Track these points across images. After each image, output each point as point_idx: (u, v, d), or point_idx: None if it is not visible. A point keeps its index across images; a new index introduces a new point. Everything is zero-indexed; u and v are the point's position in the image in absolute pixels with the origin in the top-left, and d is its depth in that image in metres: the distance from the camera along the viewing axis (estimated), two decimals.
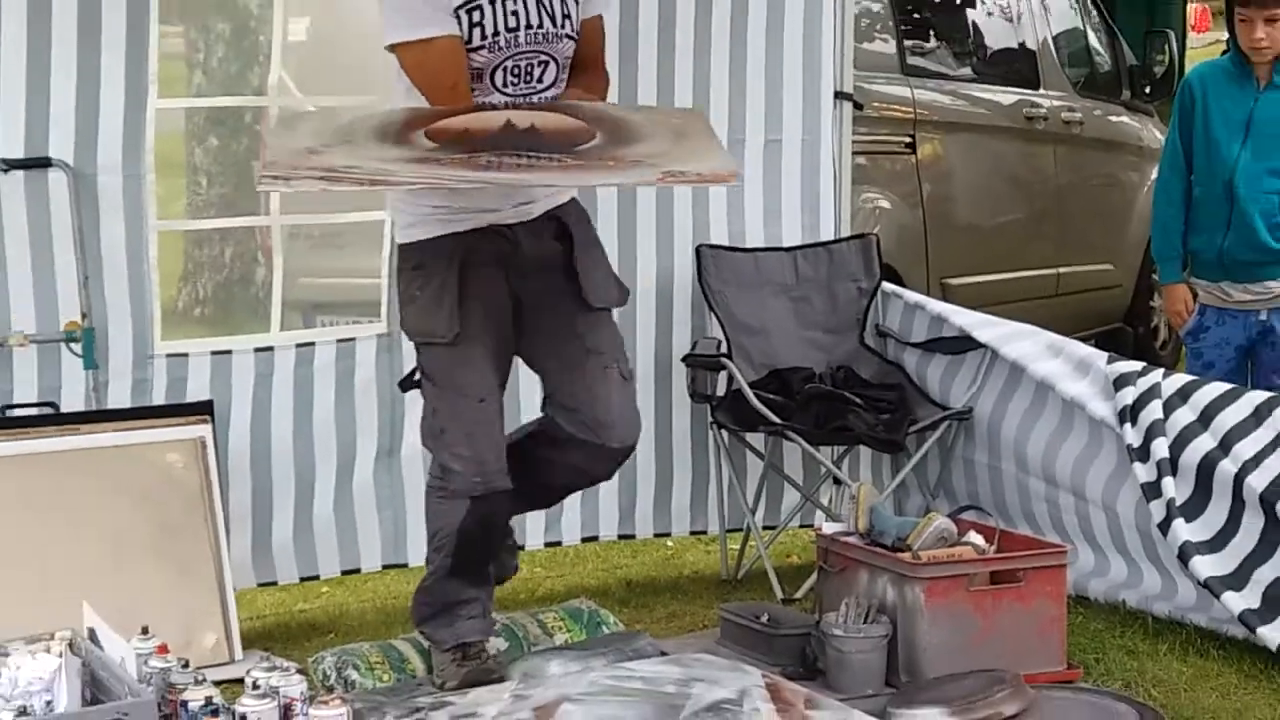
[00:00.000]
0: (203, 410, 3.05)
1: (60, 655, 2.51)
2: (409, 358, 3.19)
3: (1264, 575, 2.86)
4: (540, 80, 2.68)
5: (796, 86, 3.66)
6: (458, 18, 2.56)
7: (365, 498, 3.40)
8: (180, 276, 4.14)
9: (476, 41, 2.58)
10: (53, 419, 3.00)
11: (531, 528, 3.49)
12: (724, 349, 3.43)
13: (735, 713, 2.56)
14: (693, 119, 2.86)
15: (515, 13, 2.57)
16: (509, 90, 2.65)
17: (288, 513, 3.32)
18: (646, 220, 3.57)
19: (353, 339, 3.31)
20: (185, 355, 3.16)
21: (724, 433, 3.41)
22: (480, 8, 2.56)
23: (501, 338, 2.68)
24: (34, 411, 3.01)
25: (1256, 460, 2.86)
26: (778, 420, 3.23)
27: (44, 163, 2.89)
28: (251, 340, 3.29)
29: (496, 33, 2.58)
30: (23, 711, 2.27)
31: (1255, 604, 2.82)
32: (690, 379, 3.46)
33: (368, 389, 3.37)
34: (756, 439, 3.43)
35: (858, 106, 3.79)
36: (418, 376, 2.81)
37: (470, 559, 2.80)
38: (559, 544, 3.56)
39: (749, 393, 3.25)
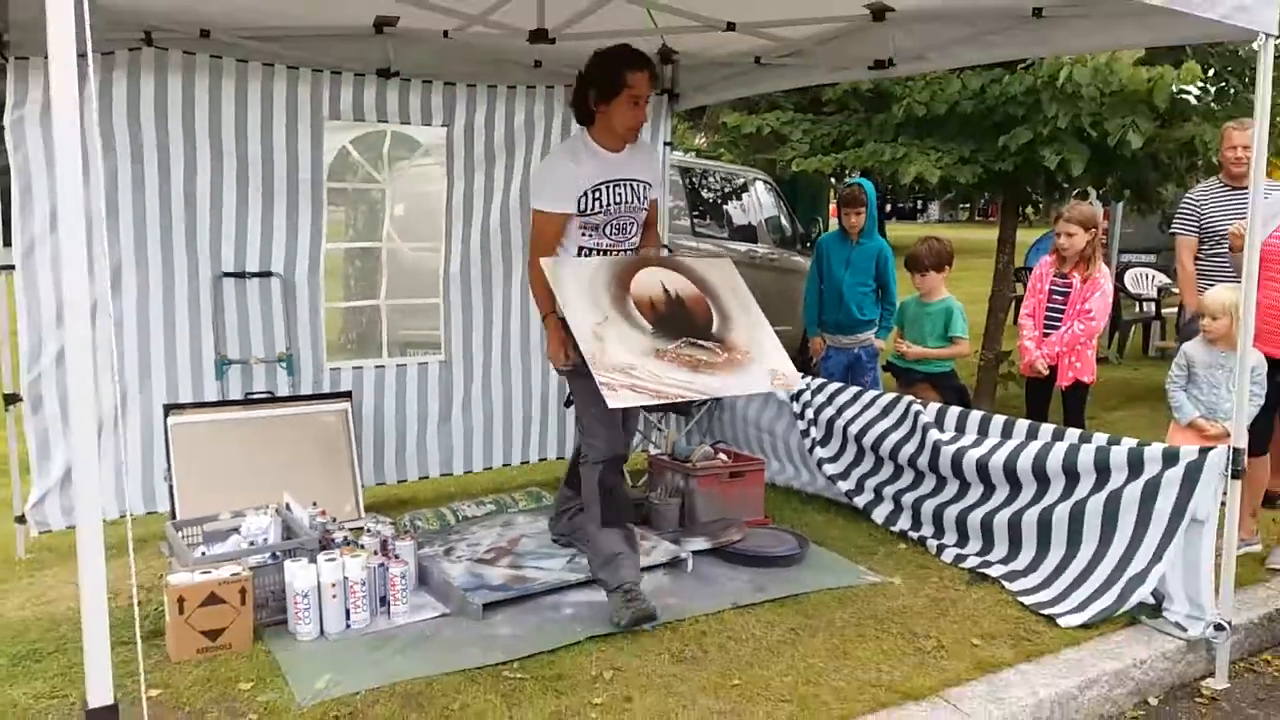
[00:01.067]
0: (345, 396, 4.93)
1: (271, 516, 3.95)
2: (459, 375, 5.32)
3: (859, 472, 5.19)
4: (628, 231, 3.91)
5: None
6: (586, 195, 3.73)
7: (430, 443, 5.34)
8: (340, 330, 6.12)
9: (597, 209, 3.77)
10: (271, 399, 4.80)
11: (501, 452, 5.61)
12: None
13: None
14: (728, 269, 4.05)
15: (620, 195, 3.80)
16: (613, 236, 3.84)
17: (390, 450, 5.24)
18: None
19: (426, 362, 5.33)
20: (339, 369, 5.08)
21: None
22: (601, 191, 3.76)
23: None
24: (262, 395, 4.83)
25: (853, 419, 5.22)
26: None
27: (268, 274, 4.84)
28: (373, 361, 5.25)
29: (608, 205, 3.79)
30: (253, 543, 3.85)
31: (853, 486, 5.15)
32: None
33: (435, 388, 5.33)
34: None
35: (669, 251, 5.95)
36: (569, 395, 3.97)
37: (611, 509, 3.80)
38: (527, 462, 5.70)
39: None
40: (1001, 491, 4.49)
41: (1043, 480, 4.31)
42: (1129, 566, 3.92)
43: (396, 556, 3.79)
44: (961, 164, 6.94)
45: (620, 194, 3.79)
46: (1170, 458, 3.86)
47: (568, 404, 4.11)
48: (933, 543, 4.61)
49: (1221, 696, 3.71)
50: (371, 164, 5.66)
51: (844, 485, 5.18)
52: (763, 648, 3.58)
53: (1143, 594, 3.84)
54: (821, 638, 3.70)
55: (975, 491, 4.62)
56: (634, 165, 3.84)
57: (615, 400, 3.31)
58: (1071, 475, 4.19)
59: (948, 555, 4.50)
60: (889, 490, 4.98)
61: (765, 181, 9.68)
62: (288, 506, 4.03)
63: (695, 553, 4.40)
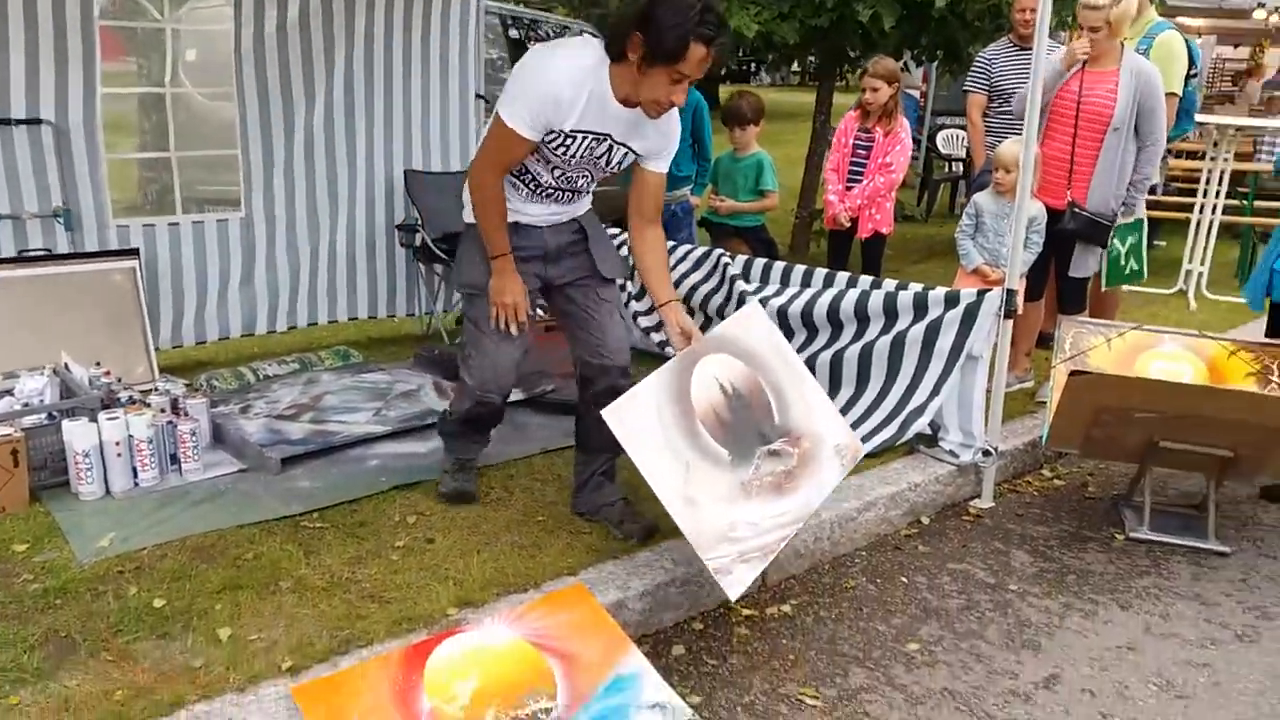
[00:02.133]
0: (132, 254, 4.56)
1: (48, 377, 3.75)
2: (260, 233, 5.05)
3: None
4: (576, 185, 3.24)
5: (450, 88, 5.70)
6: (562, 134, 3.00)
7: (231, 303, 5.08)
8: (137, 186, 5.39)
9: (560, 154, 3.08)
10: (49, 257, 4.40)
11: (307, 311, 5.38)
12: (419, 221, 5.46)
13: (416, 394, 4.49)
14: (759, 321, 3.34)
15: (592, 150, 3.09)
16: (556, 179, 3.17)
17: (189, 311, 4.97)
18: (376, 153, 5.46)
19: (226, 219, 5.03)
20: (128, 226, 4.71)
21: (420, 264, 5.57)
22: (577, 139, 3.04)
23: (524, 305, 3.23)
24: (38, 253, 4.42)
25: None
26: (445, 258, 5.26)
27: (36, 121, 4.35)
28: (166, 219, 4.88)
29: (574, 155, 3.09)
30: (27, 404, 3.61)
31: (666, 338, 5.25)
32: (402, 235, 5.52)
33: (236, 247, 5.06)
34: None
35: (487, 102, 5.81)
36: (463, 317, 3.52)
37: (471, 431, 3.55)
38: (336, 322, 5.50)
39: (431, 244, 5.33)
40: (800, 336, 4.68)
41: (836, 325, 4.50)
42: (910, 401, 4.19)
43: (186, 414, 3.66)
44: (780, 20, 6.95)
45: (593, 149, 3.11)
46: (951, 300, 4.10)
47: (459, 322, 3.78)
48: None
49: (986, 514, 4.06)
50: (153, 2, 5.20)
51: (657, 337, 5.28)
52: (568, 486, 3.68)
53: (921, 425, 4.12)
54: (625, 474, 3.83)
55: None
56: (636, 131, 3.10)
57: (737, 588, 2.80)
58: (862, 319, 4.40)
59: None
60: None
61: (593, 34, 9.38)
62: (66, 366, 3.83)
63: (510, 403, 4.42)
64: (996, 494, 4.21)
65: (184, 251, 4.90)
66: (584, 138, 3.03)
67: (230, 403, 4.25)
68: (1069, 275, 4.91)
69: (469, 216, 3.23)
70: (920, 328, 4.16)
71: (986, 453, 4.06)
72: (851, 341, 4.43)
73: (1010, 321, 3.99)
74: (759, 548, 2.89)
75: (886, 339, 4.28)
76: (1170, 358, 4.04)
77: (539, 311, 4.94)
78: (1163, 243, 9.08)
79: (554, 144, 3.03)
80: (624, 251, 4.40)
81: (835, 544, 3.61)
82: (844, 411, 4.35)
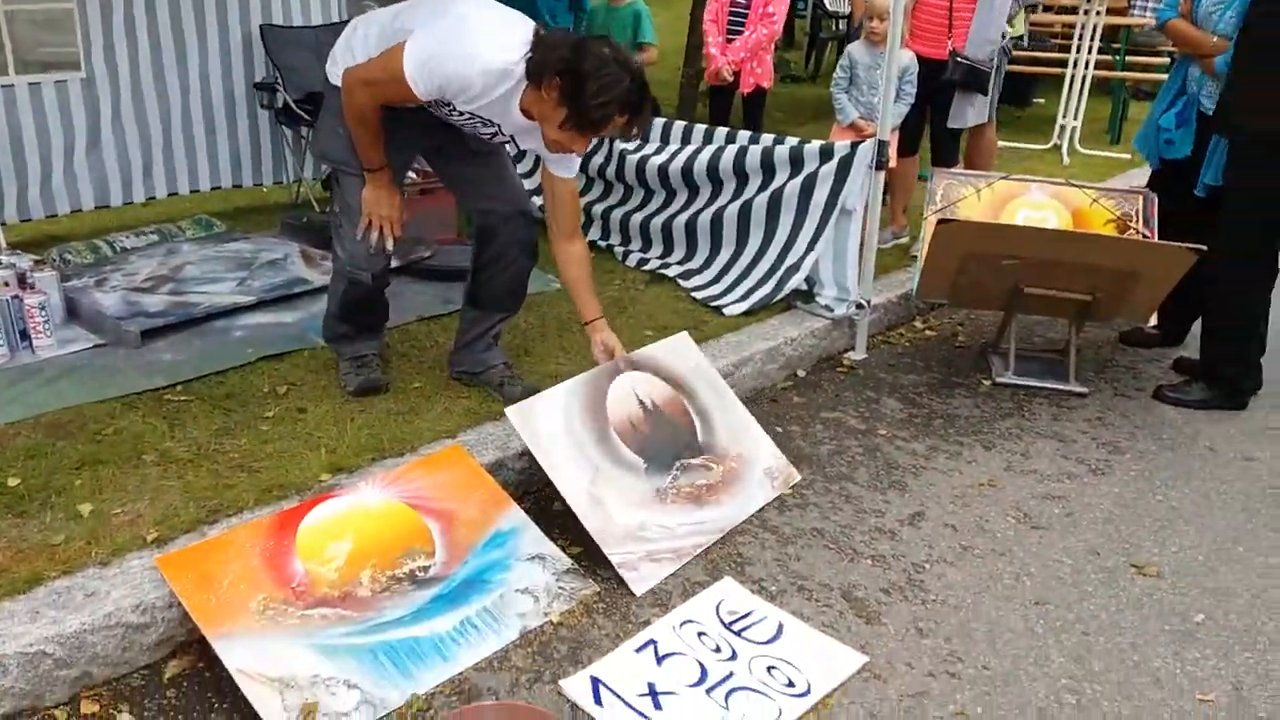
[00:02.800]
0: None
1: None
2: (105, 95, 4.70)
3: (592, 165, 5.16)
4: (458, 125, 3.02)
5: None
6: (448, 103, 2.87)
7: (80, 173, 4.77)
8: None
9: (443, 111, 2.94)
10: None
11: (165, 180, 5.09)
12: (278, 80, 5.16)
13: (282, 263, 4.31)
14: (685, 346, 3.36)
15: (477, 126, 2.97)
16: (435, 113, 2.96)
17: (33, 182, 4.63)
18: (230, 6, 5.11)
19: (65, 80, 4.65)
20: None
21: (284, 127, 5.28)
22: (463, 115, 2.91)
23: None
24: None
25: None
26: (308, 119, 4.94)
27: None
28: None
29: (455, 118, 2.95)
30: None
31: None
32: (262, 96, 5.21)
33: (79, 111, 4.72)
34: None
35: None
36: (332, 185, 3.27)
37: (354, 316, 3.32)
38: (198, 191, 5.23)
39: (294, 105, 5.04)
40: (681, 196, 4.65)
41: (716, 182, 4.48)
42: (787, 257, 4.22)
43: (33, 288, 3.45)
44: None
45: (478, 127, 2.99)
46: (826, 153, 4.09)
47: (325, 185, 3.54)
48: (619, 249, 4.75)
49: (859, 365, 4.17)
50: None
51: (538, 200, 5.16)
52: (445, 352, 3.63)
53: (797, 281, 4.16)
54: (525, 330, 3.80)
55: (658, 198, 4.76)
56: (530, 136, 2.95)
57: (642, 584, 2.71)
58: (741, 176, 4.38)
59: (632, 260, 4.66)
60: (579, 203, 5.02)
61: None
62: None
63: None
64: (870, 346, 4.32)
65: (21, 118, 4.53)
66: (473, 117, 2.91)
67: (85, 276, 4.02)
68: (946, 126, 4.95)
69: (335, 78, 3.01)
70: (796, 183, 4.16)
71: (859, 306, 4.14)
72: (731, 200, 4.41)
73: (882, 174, 4.02)
74: (672, 550, 2.87)
75: (764, 195, 4.27)
76: (1036, 206, 4.14)
77: (412, 175, 4.79)
78: (1041, 100, 9.24)
79: (442, 105, 2.90)
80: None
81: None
82: (724, 271, 4.37)
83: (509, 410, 2.96)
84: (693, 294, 4.29)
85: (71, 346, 3.49)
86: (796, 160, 4.18)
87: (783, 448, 3.44)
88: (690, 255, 4.55)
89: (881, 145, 3.91)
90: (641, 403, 3.17)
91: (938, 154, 5.03)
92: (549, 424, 2.96)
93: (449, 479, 2.85)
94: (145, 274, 4.04)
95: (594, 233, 4.93)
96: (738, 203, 4.36)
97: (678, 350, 3.41)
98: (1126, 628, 2.64)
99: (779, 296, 4.18)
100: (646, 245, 4.73)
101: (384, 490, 2.76)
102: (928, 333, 4.57)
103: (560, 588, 2.67)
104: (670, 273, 4.47)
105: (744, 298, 4.19)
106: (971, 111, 4.93)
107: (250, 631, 2.30)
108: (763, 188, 4.31)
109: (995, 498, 3.23)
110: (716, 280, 4.35)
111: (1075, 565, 2.89)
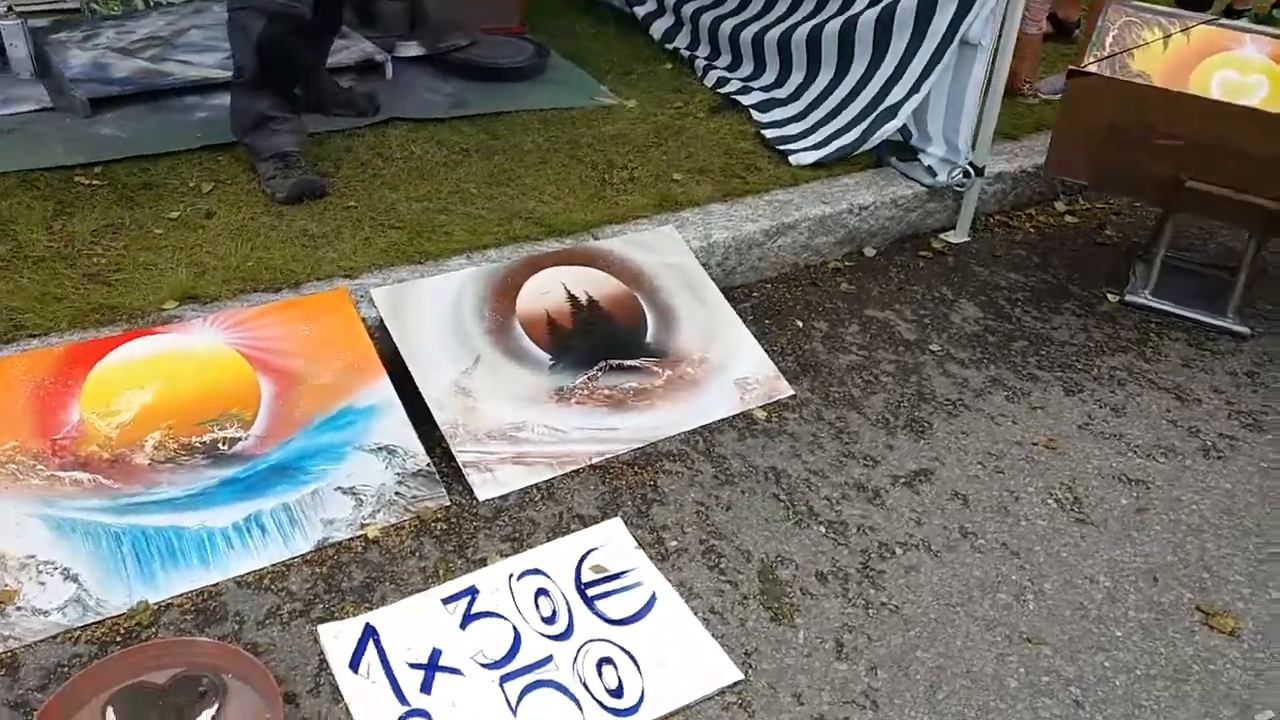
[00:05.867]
0: None
1: None
2: None
3: None
4: None
5: None
6: None
7: None
8: None
9: None
10: None
11: None
12: None
13: None
14: (670, 241, 2.75)
15: None
16: None
17: None
18: None
19: None
20: None
21: None
22: None
23: None
24: None
25: None
26: None
27: None
28: None
29: None
30: None
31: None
32: None
33: None
34: None
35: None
36: None
37: (272, 74, 2.78)
38: None
39: None
40: (782, 3, 3.67)
41: None
42: (887, 95, 3.22)
43: None
44: None
45: None
46: None
47: None
48: (701, 62, 3.84)
49: (952, 251, 3.21)
50: None
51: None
52: (417, 168, 2.98)
53: (890, 129, 3.18)
54: (498, 160, 3.08)
55: (756, 3, 3.79)
56: None
57: (487, 490, 2.14)
58: None
59: (711, 77, 3.75)
60: (673, 0, 4.12)
61: None
62: None
63: (404, 59, 3.65)
64: (981, 226, 3.33)
65: None
66: None
67: (79, 29, 3.57)
68: None
69: None
70: (914, 1, 3.11)
71: (969, 172, 3.14)
72: (837, 13, 3.40)
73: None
74: (553, 455, 2.23)
75: (874, 10, 3.23)
76: (1243, 67, 2.91)
77: None
78: None
79: None
80: None
81: (728, 271, 2.86)
82: (814, 105, 3.43)
83: (376, 293, 2.38)
84: (763, 130, 3.38)
85: (15, 107, 3.07)
86: None
87: (791, 351, 2.65)
88: (780, 79, 3.60)
89: None
90: (572, 297, 2.53)
91: None
92: (426, 310, 2.39)
93: (313, 331, 2.27)
94: (142, 34, 3.53)
95: (682, 39, 4.02)
96: (842, 18, 3.35)
97: (651, 244, 2.73)
98: (1150, 708, 1.80)
99: (864, 147, 3.22)
100: (735, 61, 3.81)
101: (221, 333, 2.22)
102: (1067, 219, 3.48)
103: (397, 494, 2.08)
104: (748, 99, 3.55)
105: (820, 145, 3.26)
106: None
107: None
108: (874, 2, 3.27)
109: (1046, 465, 2.34)
110: (800, 117, 3.41)
111: (1113, 591, 2.02)
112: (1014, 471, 2.32)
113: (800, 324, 2.77)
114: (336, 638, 1.80)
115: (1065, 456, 2.38)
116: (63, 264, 2.42)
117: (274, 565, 1.92)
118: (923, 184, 3.17)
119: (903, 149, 3.31)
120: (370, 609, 1.86)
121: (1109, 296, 3.01)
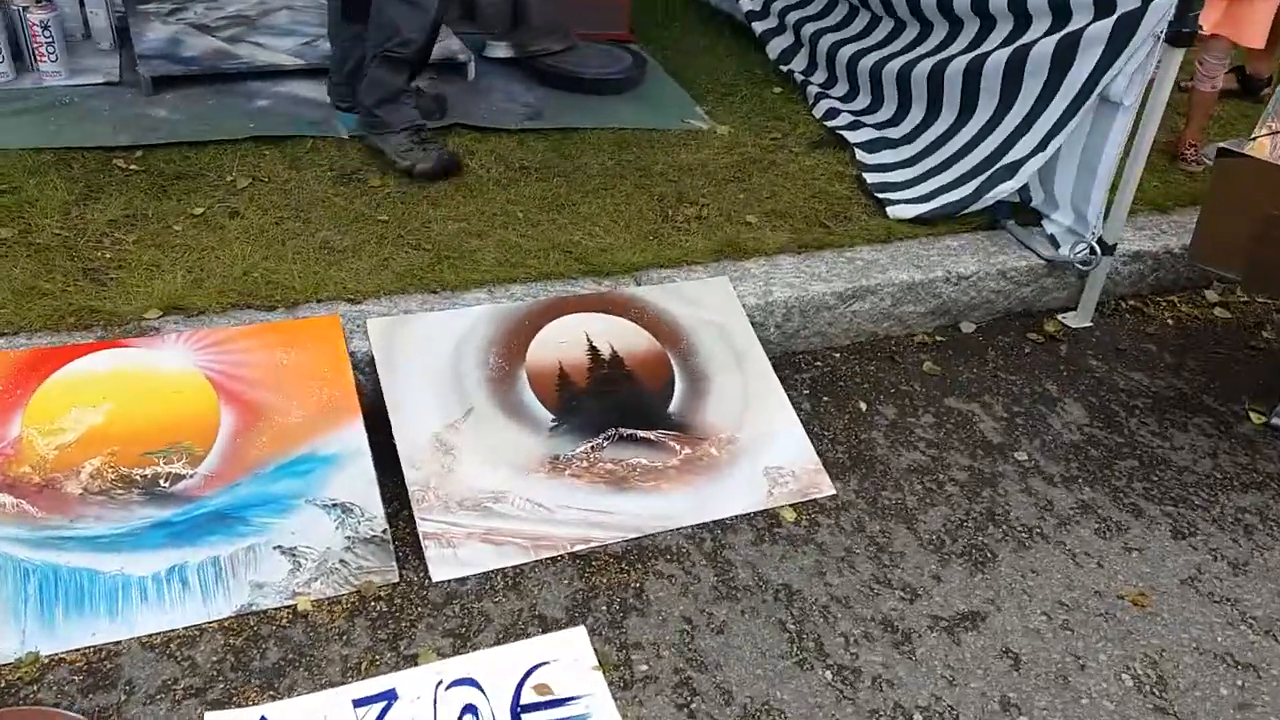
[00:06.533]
0: None
1: None
2: None
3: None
4: None
5: None
6: None
7: None
8: None
9: None
10: None
11: None
12: None
13: None
14: (721, 295, 2.42)
15: None
16: None
17: None
18: None
19: None
20: None
21: None
22: None
23: None
24: None
25: None
26: None
27: None
28: None
29: None
30: None
31: (757, 7, 3.95)
32: None
33: None
34: None
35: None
36: None
37: (427, 52, 2.78)
38: None
39: None
40: (909, 32, 3.27)
41: (952, 19, 3.05)
42: (1011, 150, 2.79)
43: (41, 3, 2.96)
44: None
45: None
46: (1103, 6, 2.55)
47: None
48: (814, 89, 3.48)
49: (1070, 337, 2.75)
50: None
51: (748, 4, 3.95)
52: (466, 184, 2.74)
53: (1005, 191, 2.75)
54: (556, 183, 2.81)
55: (881, 29, 3.40)
56: None
57: (446, 567, 1.86)
58: (985, 15, 2.93)
59: (821, 107, 3.39)
60: (795, 18, 3.76)
61: None
62: None
63: (490, 59, 3.43)
64: (1108, 310, 2.86)
65: None
66: None
67: (168, 1, 3.49)
68: None
69: None
70: (1051, 42, 2.67)
71: (1094, 249, 2.68)
72: (965, 50, 2.99)
73: (1181, 51, 2.44)
74: (530, 536, 1.94)
75: (1004, 53, 2.81)
76: None
77: None
78: None
79: None
80: None
81: (788, 335, 2.51)
82: (929, 150, 3.03)
83: (372, 324, 2.14)
84: (865, 173, 3.01)
85: (81, 79, 3.00)
86: (1060, 8, 2.68)
87: (845, 439, 2.28)
88: (896, 117, 3.21)
89: (1185, 5, 2.33)
90: (593, 349, 2.23)
91: None
92: (423, 349, 2.13)
93: (293, 361, 2.05)
94: (231, 10, 3.44)
95: (798, 62, 3.66)
96: (970, 55, 2.93)
97: (695, 296, 2.40)
98: None
99: (973, 206, 2.81)
100: (851, 91, 3.42)
101: (194, 353, 2.02)
102: (1217, 312, 2.96)
103: (342, 562, 1.84)
104: (855, 136, 3.17)
105: (924, 198, 2.86)
106: None
107: None
108: (1008, 40, 2.84)
109: (1129, 628, 1.90)
110: (909, 163, 3.01)
111: None
112: (1086, 630, 1.90)
113: (864, 406, 2.40)
114: None
115: (1157, 619, 1.94)
116: (64, 255, 2.29)
117: (186, 629, 1.71)
118: (1040, 255, 2.74)
119: (1024, 212, 2.88)
120: (275, 698, 1.62)
121: (1252, 416, 2.51)
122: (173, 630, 1.70)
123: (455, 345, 2.17)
